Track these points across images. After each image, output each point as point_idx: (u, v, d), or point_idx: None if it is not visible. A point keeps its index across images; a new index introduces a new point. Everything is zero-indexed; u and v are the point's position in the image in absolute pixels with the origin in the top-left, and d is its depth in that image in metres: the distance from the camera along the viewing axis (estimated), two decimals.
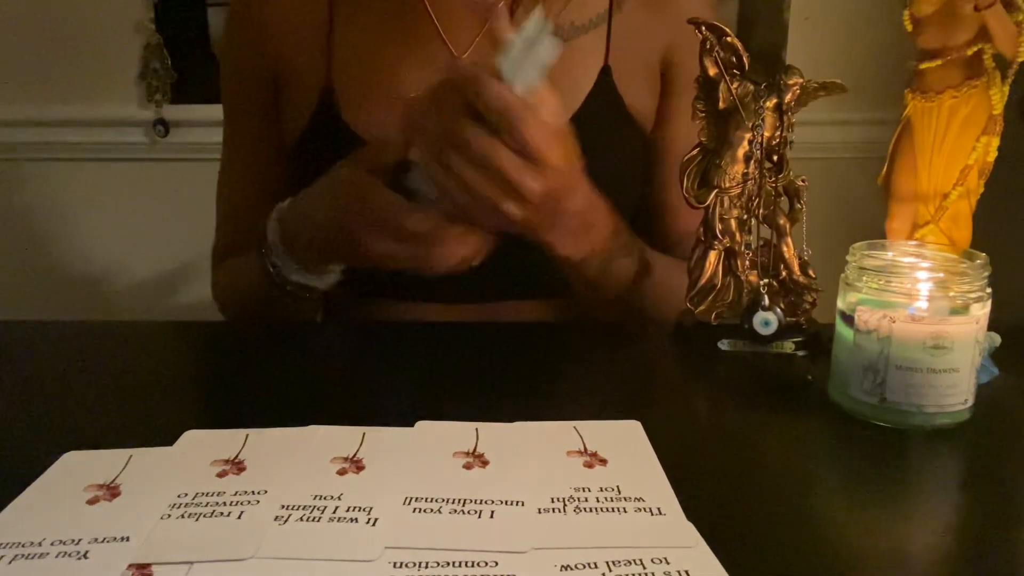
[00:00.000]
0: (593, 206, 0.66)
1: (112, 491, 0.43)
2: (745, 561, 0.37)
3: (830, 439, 0.52)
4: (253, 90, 0.82)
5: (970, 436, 0.51)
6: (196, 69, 1.66)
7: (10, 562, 0.37)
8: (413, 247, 0.61)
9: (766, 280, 0.65)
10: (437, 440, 0.48)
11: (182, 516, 0.40)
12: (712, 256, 0.66)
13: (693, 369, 0.64)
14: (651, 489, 0.43)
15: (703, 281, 0.66)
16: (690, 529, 0.39)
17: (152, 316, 1.73)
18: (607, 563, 0.37)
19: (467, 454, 0.47)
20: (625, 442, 0.48)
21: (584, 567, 0.36)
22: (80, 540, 0.38)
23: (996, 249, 0.55)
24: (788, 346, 0.63)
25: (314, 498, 0.42)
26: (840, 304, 0.54)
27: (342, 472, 0.45)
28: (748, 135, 0.64)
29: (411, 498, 0.42)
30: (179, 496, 0.42)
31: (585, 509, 0.41)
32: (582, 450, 0.47)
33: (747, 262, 0.66)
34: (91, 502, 0.42)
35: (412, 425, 0.50)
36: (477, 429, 0.49)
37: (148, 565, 0.37)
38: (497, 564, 0.37)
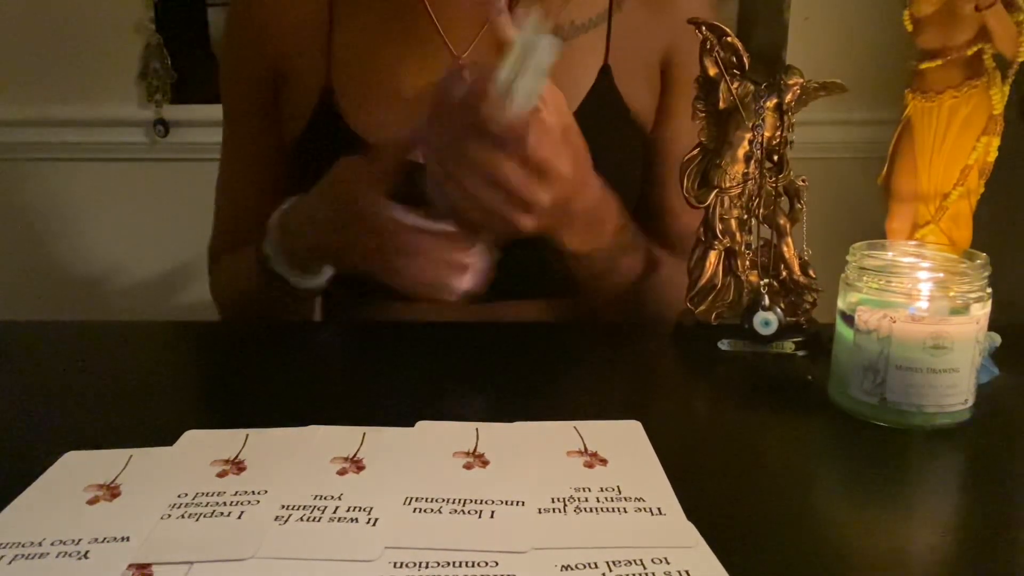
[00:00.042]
0: (603, 200, 0.66)
1: (112, 491, 0.43)
2: (745, 561, 0.37)
3: (830, 439, 0.52)
4: (253, 90, 0.82)
5: (970, 436, 0.51)
6: (196, 69, 1.66)
7: (10, 562, 0.37)
8: (404, 259, 0.61)
9: (766, 280, 0.65)
10: (437, 440, 0.48)
11: (182, 516, 0.40)
12: (712, 256, 0.66)
13: (693, 369, 0.64)
14: (651, 489, 0.43)
15: (703, 281, 0.66)
16: (690, 529, 0.39)
17: (152, 316, 1.73)
18: (607, 563, 0.37)
19: (467, 454, 0.47)
20: (625, 442, 0.48)
21: (584, 567, 0.36)
22: (80, 540, 0.38)
23: (996, 249, 0.55)
24: (788, 346, 0.63)
25: (314, 498, 0.42)
26: (840, 304, 0.54)
27: (342, 472, 0.45)
28: (748, 135, 0.64)
29: (411, 498, 0.42)
30: (179, 496, 0.42)
31: (585, 509, 0.41)
32: (582, 450, 0.47)
33: (747, 262, 0.66)
34: (91, 502, 0.42)
35: (412, 425, 0.50)
36: (477, 429, 0.49)
37: (148, 565, 0.37)
38: (497, 564, 0.37)
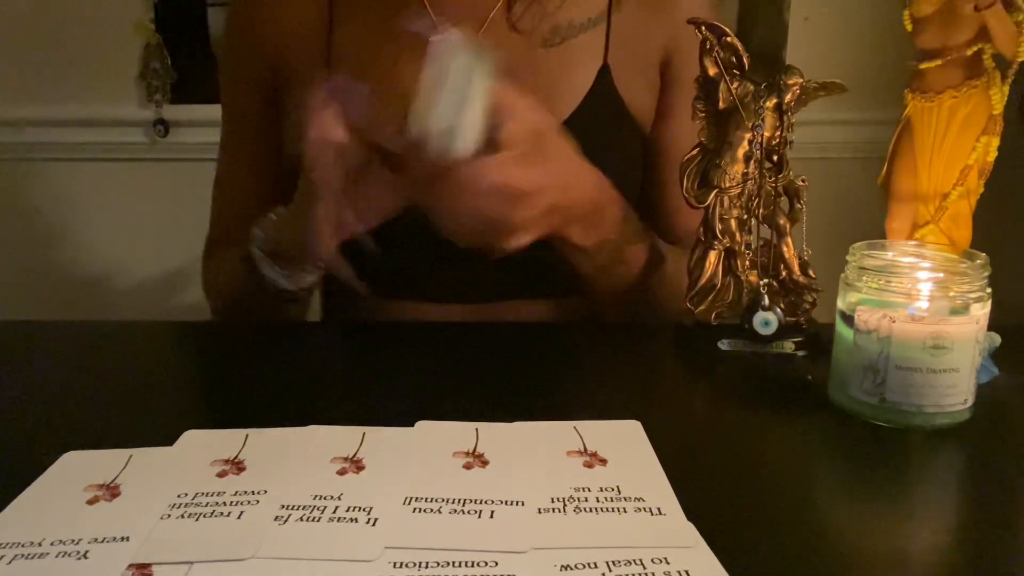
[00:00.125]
0: (600, 191, 0.66)
1: (112, 491, 0.43)
2: (745, 561, 0.37)
3: (830, 439, 0.52)
4: (252, 90, 0.82)
5: (970, 436, 0.51)
6: (196, 69, 1.66)
7: (10, 562, 0.37)
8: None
9: (766, 280, 0.65)
10: (437, 440, 0.48)
11: (182, 516, 0.40)
12: (712, 256, 0.66)
13: (693, 369, 0.64)
14: (651, 489, 0.43)
15: (703, 281, 0.66)
16: (690, 529, 0.39)
17: (152, 316, 1.73)
18: (607, 563, 0.37)
19: (467, 454, 0.47)
20: (625, 442, 0.48)
21: (584, 567, 0.36)
22: (80, 540, 0.38)
23: (996, 249, 0.55)
24: (788, 346, 0.63)
25: (314, 498, 0.42)
26: (840, 304, 0.54)
27: (342, 472, 0.45)
28: (748, 135, 0.64)
29: (411, 498, 0.42)
30: (179, 496, 0.42)
31: (585, 509, 0.41)
32: (582, 450, 0.47)
33: (747, 262, 0.66)
34: (91, 502, 0.42)
35: (412, 425, 0.50)
36: (477, 429, 0.49)
37: (148, 565, 0.37)
38: (497, 564, 0.37)
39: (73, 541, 0.38)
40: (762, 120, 0.63)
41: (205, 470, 0.45)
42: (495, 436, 0.49)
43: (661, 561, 0.37)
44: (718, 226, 0.65)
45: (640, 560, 0.37)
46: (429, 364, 0.63)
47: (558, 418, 0.51)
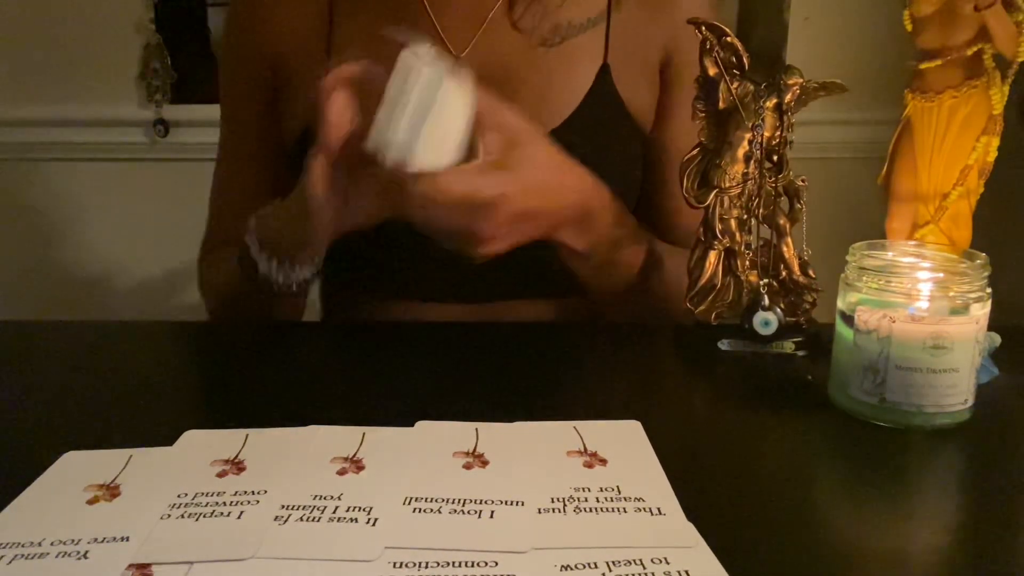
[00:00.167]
0: (589, 195, 0.65)
1: (112, 491, 0.43)
2: (745, 561, 0.37)
3: (830, 439, 0.52)
4: (252, 90, 0.82)
5: (970, 436, 0.51)
6: (196, 69, 1.66)
7: (10, 562, 0.37)
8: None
9: (766, 280, 0.65)
10: (437, 440, 0.48)
11: (182, 516, 0.40)
12: (712, 256, 0.66)
13: (693, 369, 0.64)
14: (651, 489, 0.43)
15: (703, 281, 0.66)
16: (690, 529, 0.39)
17: (152, 316, 1.73)
18: (607, 563, 0.37)
19: (467, 454, 0.47)
20: (625, 442, 0.48)
21: (584, 567, 0.36)
22: (80, 540, 0.38)
23: (996, 249, 0.55)
24: (788, 346, 0.63)
25: (314, 498, 0.42)
26: (840, 304, 0.54)
27: (342, 472, 0.45)
28: (748, 135, 0.64)
29: (411, 498, 0.42)
30: (179, 496, 0.42)
31: (585, 509, 0.41)
32: (582, 450, 0.47)
33: (747, 262, 0.66)
34: (91, 502, 0.42)
35: (412, 425, 0.50)
36: (477, 429, 0.49)
37: (148, 565, 0.37)
38: (497, 564, 0.37)
39: (73, 541, 0.38)
40: (762, 120, 0.63)
41: (205, 470, 0.45)
42: (495, 436, 0.49)
43: (661, 561, 0.37)
44: (718, 226, 0.65)
45: (640, 560, 0.37)
46: (429, 364, 0.63)
47: (558, 418, 0.51)
